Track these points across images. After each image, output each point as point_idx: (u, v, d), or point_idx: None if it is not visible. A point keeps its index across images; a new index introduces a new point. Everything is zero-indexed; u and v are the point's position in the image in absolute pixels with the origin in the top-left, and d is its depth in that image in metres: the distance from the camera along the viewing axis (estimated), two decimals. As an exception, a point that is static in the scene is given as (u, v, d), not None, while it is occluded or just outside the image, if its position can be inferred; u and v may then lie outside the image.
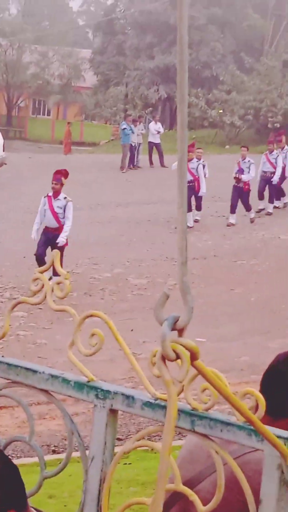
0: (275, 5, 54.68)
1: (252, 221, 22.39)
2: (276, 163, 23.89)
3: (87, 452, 1.86)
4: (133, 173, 32.31)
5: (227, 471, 1.77)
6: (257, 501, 1.71)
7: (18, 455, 7.99)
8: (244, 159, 22.57)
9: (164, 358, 1.52)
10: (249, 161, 22.52)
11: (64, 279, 1.86)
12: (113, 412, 1.83)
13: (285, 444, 1.64)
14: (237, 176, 22.29)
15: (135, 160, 33.86)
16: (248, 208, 22.54)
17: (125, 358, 1.90)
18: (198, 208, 22.49)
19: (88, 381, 1.85)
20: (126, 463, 7.15)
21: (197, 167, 22.03)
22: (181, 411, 1.73)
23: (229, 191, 23.74)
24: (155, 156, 33.10)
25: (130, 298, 14.80)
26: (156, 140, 33.80)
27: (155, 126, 34.40)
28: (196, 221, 21.91)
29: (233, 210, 22.16)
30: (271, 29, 54.19)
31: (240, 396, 1.70)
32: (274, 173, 23.77)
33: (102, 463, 1.81)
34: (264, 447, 1.67)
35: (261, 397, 1.69)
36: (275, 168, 23.84)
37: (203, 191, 22.12)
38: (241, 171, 22.37)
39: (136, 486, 6.73)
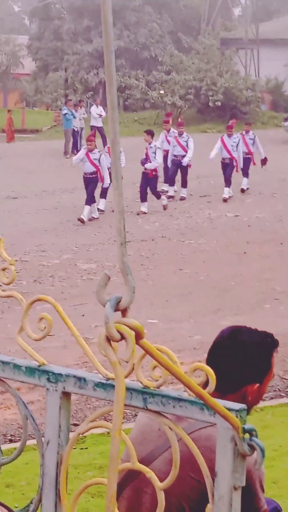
0: (210, -17, 54.76)
1: (164, 208, 21.49)
2: (187, 146, 23.42)
3: (43, 438, 1.87)
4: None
5: (180, 449, 1.79)
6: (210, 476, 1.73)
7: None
8: (150, 143, 21.60)
9: (109, 339, 1.53)
10: (155, 146, 21.65)
11: (9, 265, 1.86)
12: (66, 394, 1.83)
13: (236, 416, 1.66)
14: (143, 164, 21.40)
15: (78, 145, 33.76)
16: (157, 195, 21.53)
17: (77, 343, 1.91)
18: (103, 195, 21.37)
19: (39, 366, 1.86)
20: (82, 448, 7.16)
21: (99, 158, 20.67)
22: (133, 390, 1.75)
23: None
24: (98, 140, 32.93)
25: (80, 283, 14.78)
26: (99, 123, 33.74)
27: (97, 110, 34.33)
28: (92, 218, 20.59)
29: (142, 198, 21.27)
30: (207, 7, 54.21)
31: (190, 372, 1.72)
32: (184, 156, 23.25)
33: (58, 446, 1.82)
34: (217, 421, 1.69)
35: (210, 371, 1.71)
36: (185, 151, 23.31)
37: (107, 182, 20.51)
38: (147, 157, 21.39)
39: (93, 470, 6.75)
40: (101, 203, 21.28)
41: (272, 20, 59.48)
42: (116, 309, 1.53)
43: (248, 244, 17.60)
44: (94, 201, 20.62)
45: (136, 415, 7.39)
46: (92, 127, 33.89)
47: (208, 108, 43.63)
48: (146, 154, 21.47)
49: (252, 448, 1.68)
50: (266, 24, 55.88)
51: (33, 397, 8.66)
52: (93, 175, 20.60)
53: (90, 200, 20.43)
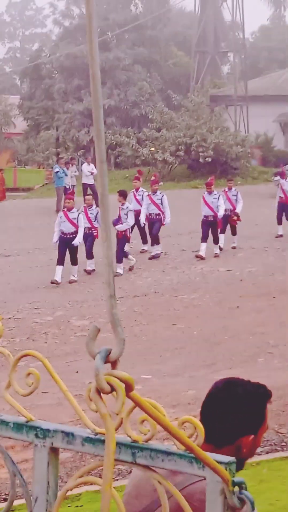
0: (198, 42, 55.51)
1: (130, 269, 20.98)
2: (161, 204, 22.88)
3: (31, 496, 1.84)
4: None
5: (174, 503, 1.77)
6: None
7: None
8: (123, 204, 21.09)
9: (99, 391, 1.53)
10: (127, 207, 21.12)
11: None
12: (54, 450, 1.82)
13: (226, 469, 1.65)
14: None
15: (70, 202, 33.88)
16: (120, 259, 20.55)
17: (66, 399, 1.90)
18: (73, 263, 20.29)
19: (27, 421, 1.85)
20: (77, 506, 7.07)
21: (78, 217, 20.47)
22: (121, 444, 1.74)
23: (165, 228, 23.86)
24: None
25: (73, 340, 14.74)
26: (90, 181, 33.94)
27: (88, 167, 34.57)
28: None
29: (118, 259, 20.47)
30: (196, 65, 54.93)
31: (179, 425, 1.71)
32: (158, 214, 22.76)
33: (46, 503, 1.80)
34: (206, 474, 1.68)
35: (199, 424, 1.70)
36: (159, 209, 22.81)
37: (78, 240, 20.09)
38: (120, 218, 20.77)
39: (89, 528, 6.66)
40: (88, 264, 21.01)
41: (260, 77, 60.22)
42: (106, 361, 1.53)
43: (241, 298, 17.60)
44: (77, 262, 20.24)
45: (131, 471, 7.32)
46: (84, 185, 34.15)
47: (198, 164, 43.97)
48: (119, 215, 20.88)
49: (242, 501, 1.66)
50: (254, 81, 56.61)
51: (27, 455, 8.56)
52: (73, 235, 20.07)
53: (76, 260, 20.14)
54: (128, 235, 21.10)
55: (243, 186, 40.28)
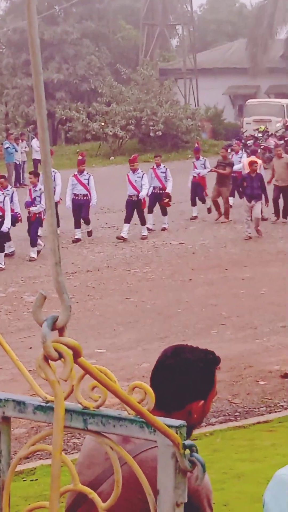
0: (146, 14, 55.19)
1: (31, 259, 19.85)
2: (88, 184, 21.85)
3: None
4: (20, 191, 32.01)
5: (125, 471, 1.79)
6: (155, 494, 1.73)
7: None
8: (35, 186, 20.21)
9: (47, 358, 1.53)
10: (40, 189, 19.95)
11: None
12: (5, 419, 1.82)
13: (176, 433, 1.67)
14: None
15: (21, 178, 33.74)
16: (34, 243, 19.99)
17: (17, 368, 1.89)
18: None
19: (-22, 392, 1.84)
20: (32, 480, 7.08)
21: (4, 200, 19.30)
22: (72, 411, 1.74)
23: (118, 202, 23.82)
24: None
25: (27, 316, 14.69)
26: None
27: (38, 143, 34.32)
28: None
29: (31, 243, 19.99)
30: (145, 38, 54.67)
31: (129, 390, 1.72)
32: (86, 195, 21.75)
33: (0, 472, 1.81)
34: (157, 438, 1.69)
35: (149, 389, 1.72)
36: (87, 189, 21.87)
37: (6, 225, 19.11)
38: (32, 200, 20.05)
39: (44, 501, 6.67)
40: None
41: (209, 50, 60.18)
42: (53, 329, 1.53)
43: (193, 271, 17.69)
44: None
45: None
46: (34, 160, 33.97)
47: (149, 138, 43.86)
48: (30, 197, 20.18)
49: (193, 464, 1.68)
50: (203, 54, 56.56)
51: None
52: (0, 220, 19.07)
53: (3, 247, 19.26)
54: (43, 218, 19.73)
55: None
